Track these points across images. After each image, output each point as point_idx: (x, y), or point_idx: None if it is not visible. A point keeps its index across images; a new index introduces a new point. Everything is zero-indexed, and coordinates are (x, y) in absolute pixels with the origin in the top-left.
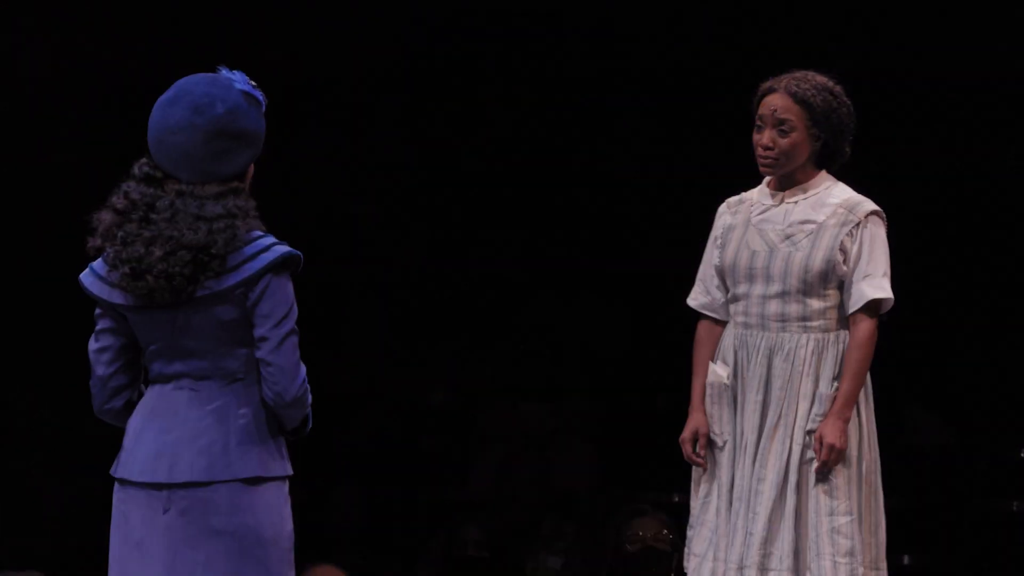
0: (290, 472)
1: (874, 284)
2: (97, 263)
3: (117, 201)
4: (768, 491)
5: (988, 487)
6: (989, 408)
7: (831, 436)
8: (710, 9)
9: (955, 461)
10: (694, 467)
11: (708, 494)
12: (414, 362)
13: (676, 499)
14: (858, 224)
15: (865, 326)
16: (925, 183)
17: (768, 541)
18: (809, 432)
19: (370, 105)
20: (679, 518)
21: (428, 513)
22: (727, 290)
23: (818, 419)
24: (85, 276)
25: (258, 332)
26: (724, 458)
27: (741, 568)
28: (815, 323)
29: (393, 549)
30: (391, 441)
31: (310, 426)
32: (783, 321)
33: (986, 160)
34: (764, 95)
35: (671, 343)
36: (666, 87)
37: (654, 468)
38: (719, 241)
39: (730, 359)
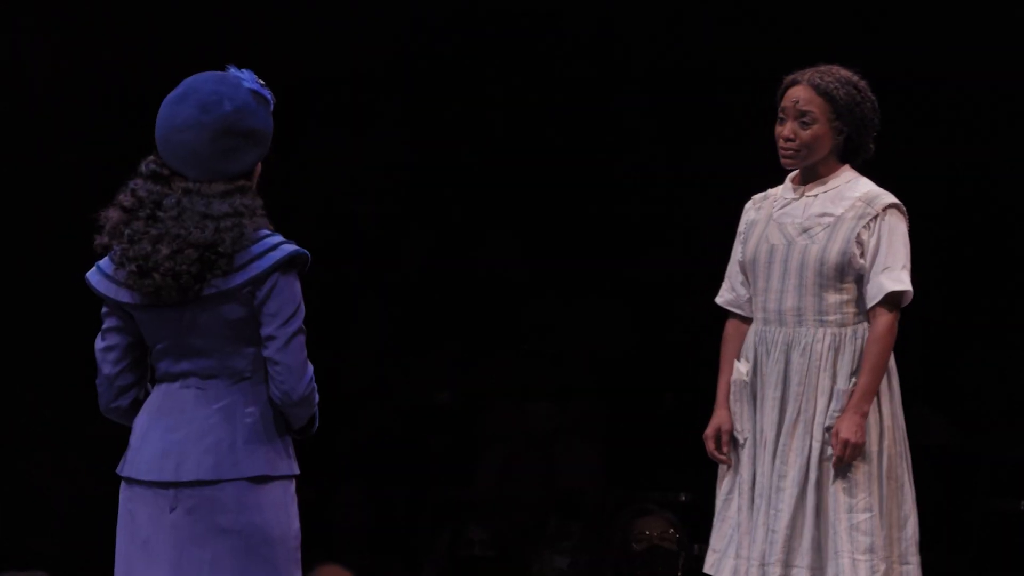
0: (297, 471)
1: (893, 277)
2: (104, 261)
3: (124, 199)
4: (790, 488)
5: (995, 487)
6: (996, 408)
7: (847, 431)
8: (713, 9)
9: (962, 461)
10: (719, 464)
11: (730, 491)
12: (419, 362)
13: (682, 498)
14: (876, 217)
15: (884, 320)
16: (933, 183)
17: (791, 538)
18: (827, 429)
19: (370, 105)
20: (685, 517)
21: (433, 513)
22: (751, 286)
23: (836, 415)
24: (92, 274)
25: (265, 331)
26: (745, 455)
27: (763, 565)
28: (831, 317)
29: (398, 549)
30: (396, 441)
31: (317, 425)
32: (799, 315)
33: (996, 159)
34: (787, 87)
35: (675, 343)
36: (669, 87)
37: (659, 467)
38: (742, 236)
39: (751, 355)
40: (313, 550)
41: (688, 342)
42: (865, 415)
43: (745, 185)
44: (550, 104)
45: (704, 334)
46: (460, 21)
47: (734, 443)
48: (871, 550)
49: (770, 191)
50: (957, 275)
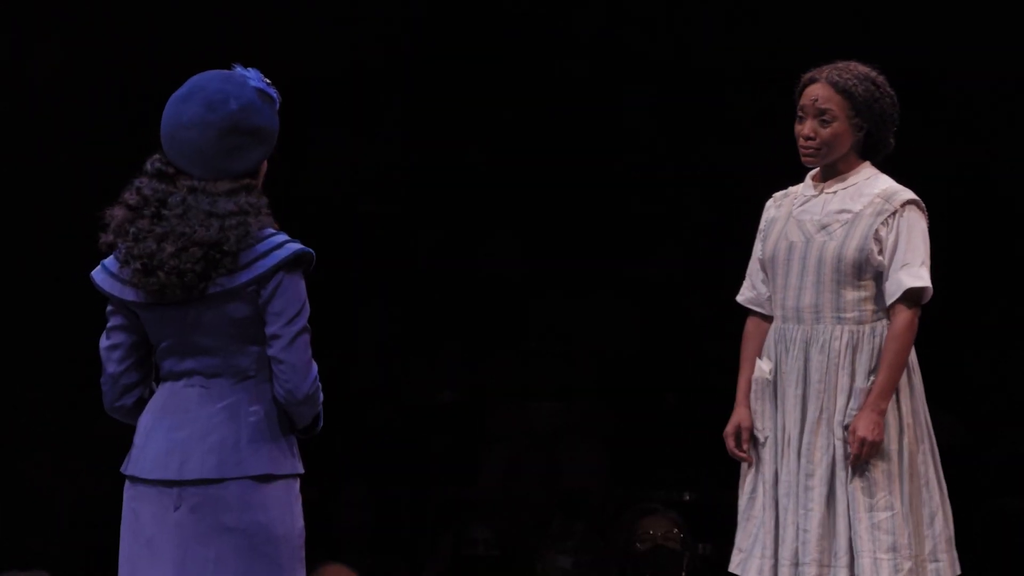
0: (301, 470)
1: (912, 273)
2: (109, 260)
3: (129, 197)
4: (818, 487)
5: (1000, 486)
6: (1001, 407)
7: (863, 429)
8: (715, 8)
9: (967, 460)
10: (742, 463)
11: (753, 490)
12: (421, 362)
13: (686, 498)
14: (894, 213)
15: (903, 317)
16: (933, 183)
17: (823, 537)
18: (846, 427)
19: (370, 105)
20: (689, 517)
21: (436, 512)
22: (771, 283)
23: (854, 413)
24: (97, 273)
25: (270, 329)
26: (767, 454)
27: (796, 564)
28: (849, 315)
29: (401, 548)
30: (399, 440)
31: (321, 424)
32: (817, 312)
33: (996, 159)
34: (806, 85)
35: (678, 342)
36: (675, 86)
37: (662, 467)
38: (763, 234)
39: (772, 354)
40: (316, 549)
41: (691, 341)
42: (882, 413)
43: (746, 185)
44: (552, 104)
45: (706, 333)
46: (460, 21)
47: (754, 441)
48: (894, 548)
49: (791, 188)
50: (961, 274)
